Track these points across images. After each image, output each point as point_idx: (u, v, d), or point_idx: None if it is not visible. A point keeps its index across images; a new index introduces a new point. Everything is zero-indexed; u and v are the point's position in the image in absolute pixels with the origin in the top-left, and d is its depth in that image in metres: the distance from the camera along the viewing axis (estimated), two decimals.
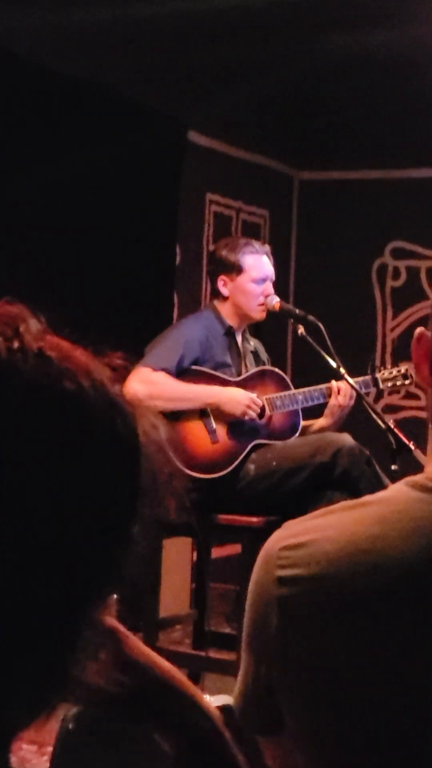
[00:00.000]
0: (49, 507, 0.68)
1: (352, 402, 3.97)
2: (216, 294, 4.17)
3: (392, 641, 1.05)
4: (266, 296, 4.02)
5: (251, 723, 1.17)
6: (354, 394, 3.93)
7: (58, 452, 0.69)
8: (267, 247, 4.16)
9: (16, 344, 0.71)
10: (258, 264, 4.06)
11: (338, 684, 1.06)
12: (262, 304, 4.03)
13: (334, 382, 3.98)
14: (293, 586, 1.09)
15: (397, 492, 1.13)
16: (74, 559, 0.69)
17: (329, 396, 3.98)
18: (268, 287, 4.05)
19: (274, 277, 4.11)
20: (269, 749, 1.19)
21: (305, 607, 1.08)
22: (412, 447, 3.56)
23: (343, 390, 3.94)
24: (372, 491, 3.81)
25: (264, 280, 4.04)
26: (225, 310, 4.08)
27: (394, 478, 3.66)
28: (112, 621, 0.83)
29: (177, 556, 5.00)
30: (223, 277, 4.05)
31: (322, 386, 4.01)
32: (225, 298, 4.06)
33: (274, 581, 1.11)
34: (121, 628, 0.87)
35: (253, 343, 4.22)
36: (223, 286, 4.05)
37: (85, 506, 0.69)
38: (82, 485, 0.69)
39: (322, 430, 4.05)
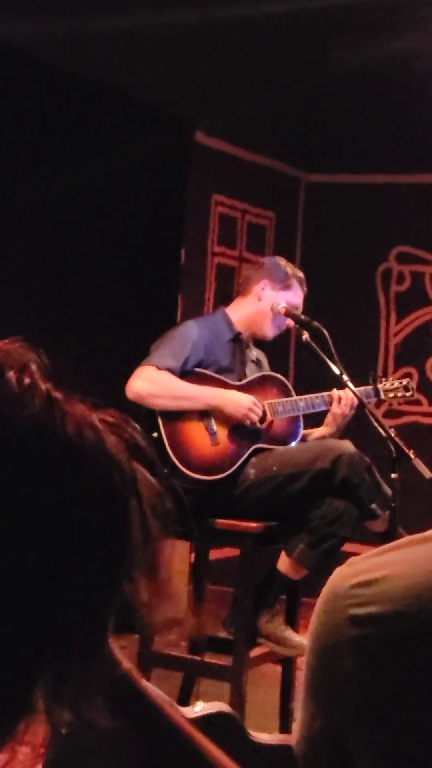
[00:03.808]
0: (36, 550, 0.67)
1: (353, 411, 3.97)
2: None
3: None
4: (288, 325, 4.07)
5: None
6: (355, 402, 3.92)
7: (53, 497, 0.68)
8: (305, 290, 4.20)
9: (27, 381, 0.70)
10: (299, 294, 4.11)
11: (425, 729, 1.01)
12: (280, 327, 4.07)
13: (335, 391, 3.97)
14: (370, 626, 1.03)
15: None
16: (58, 610, 0.69)
17: (330, 404, 3.98)
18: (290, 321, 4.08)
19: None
20: None
21: (385, 647, 1.02)
22: (412, 456, 3.56)
23: (343, 398, 3.93)
24: (371, 499, 3.82)
25: (295, 309, 4.07)
26: (238, 317, 4.07)
27: (394, 486, 3.66)
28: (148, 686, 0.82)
29: (175, 558, 5.00)
30: (267, 282, 4.05)
31: (324, 394, 4.00)
32: (257, 302, 4.03)
33: (346, 621, 1.04)
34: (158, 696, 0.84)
35: (256, 353, 4.21)
36: (263, 289, 4.04)
37: (72, 553, 0.69)
38: (71, 533, 0.69)
39: (322, 438, 4.04)
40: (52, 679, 0.70)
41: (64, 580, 0.69)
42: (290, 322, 4.07)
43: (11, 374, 0.70)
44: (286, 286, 4.06)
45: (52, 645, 0.69)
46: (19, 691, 0.70)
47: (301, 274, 4.15)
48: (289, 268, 4.14)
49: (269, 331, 4.08)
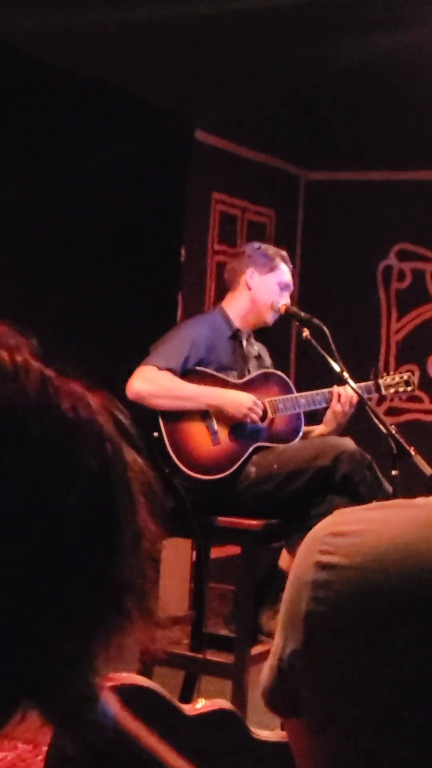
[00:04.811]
0: (32, 525, 0.68)
1: (353, 409, 3.97)
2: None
3: (425, 647, 1.02)
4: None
5: (273, 700, 1.16)
6: (355, 400, 3.92)
7: (50, 469, 0.69)
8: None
9: (19, 359, 0.71)
10: (287, 272, 4.14)
11: (362, 680, 1.04)
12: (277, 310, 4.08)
13: (335, 387, 3.97)
14: (328, 574, 1.07)
15: None
16: (50, 583, 0.69)
17: (331, 401, 3.98)
18: (287, 298, 4.09)
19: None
20: (290, 731, 1.17)
21: (338, 595, 1.06)
22: (413, 452, 3.56)
23: (343, 396, 3.93)
24: (372, 496, 3.82)
25: (286, 288, 4.09)
26: (235, 311, 4.08)
27: (395, 483, 3.66)
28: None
29: (176, 556, 5.00)
30: (253, 269, 4.08)
31: (324, 390, 4.01)
32: (248, 291, 4.05)
33: (313, 565, 1.09)
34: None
35: (257, 348, 4.22)
36: (250, 277, 4.07)
37: (68, 527, 0.69)
38: (68, 507, 0.69)
39: (322, 436, 4.04)
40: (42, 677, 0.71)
41: (62, 558, 0.69)
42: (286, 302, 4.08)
43: (3, 353, 0.71)
44: (272, 268, 4.08)
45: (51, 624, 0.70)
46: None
47: (283, 252, 4.18)
48: (270, 250, 4.17)
49: (269, 317, 4.10)
